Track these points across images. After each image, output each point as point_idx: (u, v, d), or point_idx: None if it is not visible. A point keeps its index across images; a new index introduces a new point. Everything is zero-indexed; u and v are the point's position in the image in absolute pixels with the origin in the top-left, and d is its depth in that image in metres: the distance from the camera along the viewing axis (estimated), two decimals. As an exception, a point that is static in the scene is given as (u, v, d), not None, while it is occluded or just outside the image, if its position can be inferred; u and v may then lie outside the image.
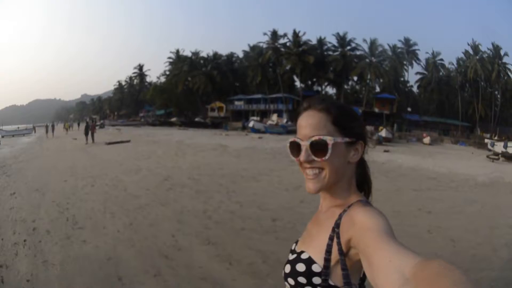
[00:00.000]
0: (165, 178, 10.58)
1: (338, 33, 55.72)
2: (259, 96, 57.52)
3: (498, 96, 50.54)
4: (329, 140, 0.94)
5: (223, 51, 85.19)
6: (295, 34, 55.43)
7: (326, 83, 59.80)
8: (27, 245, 5.26)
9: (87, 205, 7.64)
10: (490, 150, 25.47)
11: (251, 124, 42.53)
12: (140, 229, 5.99)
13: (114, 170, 12.20)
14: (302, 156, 0.98)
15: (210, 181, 10.16)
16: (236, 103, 60.28)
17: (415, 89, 60.66)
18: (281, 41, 57.35)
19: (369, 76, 52.30)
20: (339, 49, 55.50)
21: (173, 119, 58.56)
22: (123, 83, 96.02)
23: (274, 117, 48.03)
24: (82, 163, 14.20)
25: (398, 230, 4.19)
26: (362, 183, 1.10)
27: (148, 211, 7.15)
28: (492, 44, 48.94)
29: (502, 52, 48.34)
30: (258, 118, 50.52)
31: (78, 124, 58.48)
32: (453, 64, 55.28)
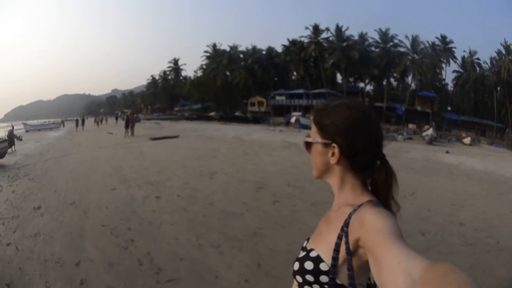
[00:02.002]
0: (258, 185, 7.78)
1: (380, 29, 53.28)
2: (301, 91, 54.34)
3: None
4: (304, 138, 1.06)
5: (257, 45, 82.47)
6: (338, 29, 53.13)
7: (367, 80, 57.47)
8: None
9: (165, 232, 4.84)
10: None
11: (293, 119, 41.12)
12: (280, 272, 3.54)
13: (178, 173, 9.29)
14: None
15: (317, 189, 7.34)
16: (277, 98, 57.62)
17: (450, 87, 58.94)
18: (323, 35, 55.39)
19: (411, 73, 50.99)
20: (382, 45, 52.83)
21: (212, 114, 56.47)
22: (157, 77, 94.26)
23: (317, 112, 45.51)
24: (129, 163, 11.13)
25: (505, 231, 5.56)
26: (378, 189, 0.99)
27: (270, 239, 4.57)
28: (520, 43, 46.45)
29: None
30: (301, 113, 47.88)
31: (116, 118, 49.69)
32: (487, 64, 53.24)
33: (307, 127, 35.81)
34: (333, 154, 0.97)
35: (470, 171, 12.83)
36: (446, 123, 46.41)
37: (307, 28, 55.79)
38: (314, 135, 1.02)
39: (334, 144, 0.96)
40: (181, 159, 11.78)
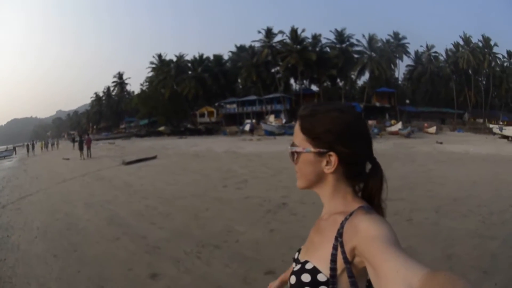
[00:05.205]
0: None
1: (336, 29, 53.20)
2: (253, 97, 53.26)
3: (484, 83, 53.91)
4: (289, 149, 0.96)
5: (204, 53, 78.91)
6: (293, 31, 51.57)
7: (324, 80, 56.54)
8: None
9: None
10: (495, 134, 29.77)
11: (247, 127, 40.84)
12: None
13: (233, 216, 5.97)
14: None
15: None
16: (228, 106, 56.02)
17: (400, 81, 61.42)
18: (277, 38, 53.87)
19: (369, 71, 51.56)
20: (338, 45, 52.70)
21: (161, 128, 53.04)
22: (101, 94, 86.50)
23: (271, 118, 44.78)
24: (125, 207, 7.17)
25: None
26: (369, 196, 0.93)
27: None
28: (482, 36, 50.84)
29: (491, 43, 50.44)
30: (254, 121, 46.57)
31: (73, 141, 37.43)
32: (442, 56, 56.84)
33: (272, 133, 34.45)
34: (327, 163, 0.89)
35: (480, 156, 13.74)
36: (405, 116, 47.13)
37: (259, 32, 53.87)
38: (302, 144, 0.92)
39: (331, 153, 0.88)
40: (203, 192, 8.34)
